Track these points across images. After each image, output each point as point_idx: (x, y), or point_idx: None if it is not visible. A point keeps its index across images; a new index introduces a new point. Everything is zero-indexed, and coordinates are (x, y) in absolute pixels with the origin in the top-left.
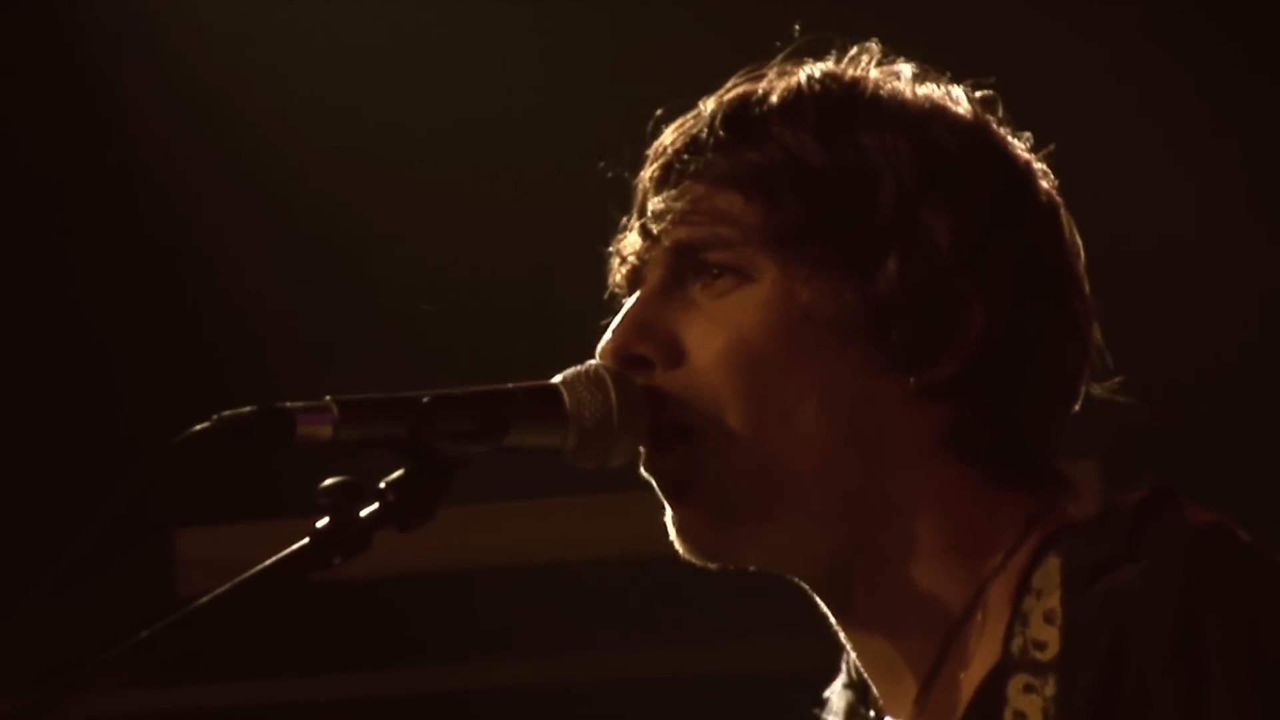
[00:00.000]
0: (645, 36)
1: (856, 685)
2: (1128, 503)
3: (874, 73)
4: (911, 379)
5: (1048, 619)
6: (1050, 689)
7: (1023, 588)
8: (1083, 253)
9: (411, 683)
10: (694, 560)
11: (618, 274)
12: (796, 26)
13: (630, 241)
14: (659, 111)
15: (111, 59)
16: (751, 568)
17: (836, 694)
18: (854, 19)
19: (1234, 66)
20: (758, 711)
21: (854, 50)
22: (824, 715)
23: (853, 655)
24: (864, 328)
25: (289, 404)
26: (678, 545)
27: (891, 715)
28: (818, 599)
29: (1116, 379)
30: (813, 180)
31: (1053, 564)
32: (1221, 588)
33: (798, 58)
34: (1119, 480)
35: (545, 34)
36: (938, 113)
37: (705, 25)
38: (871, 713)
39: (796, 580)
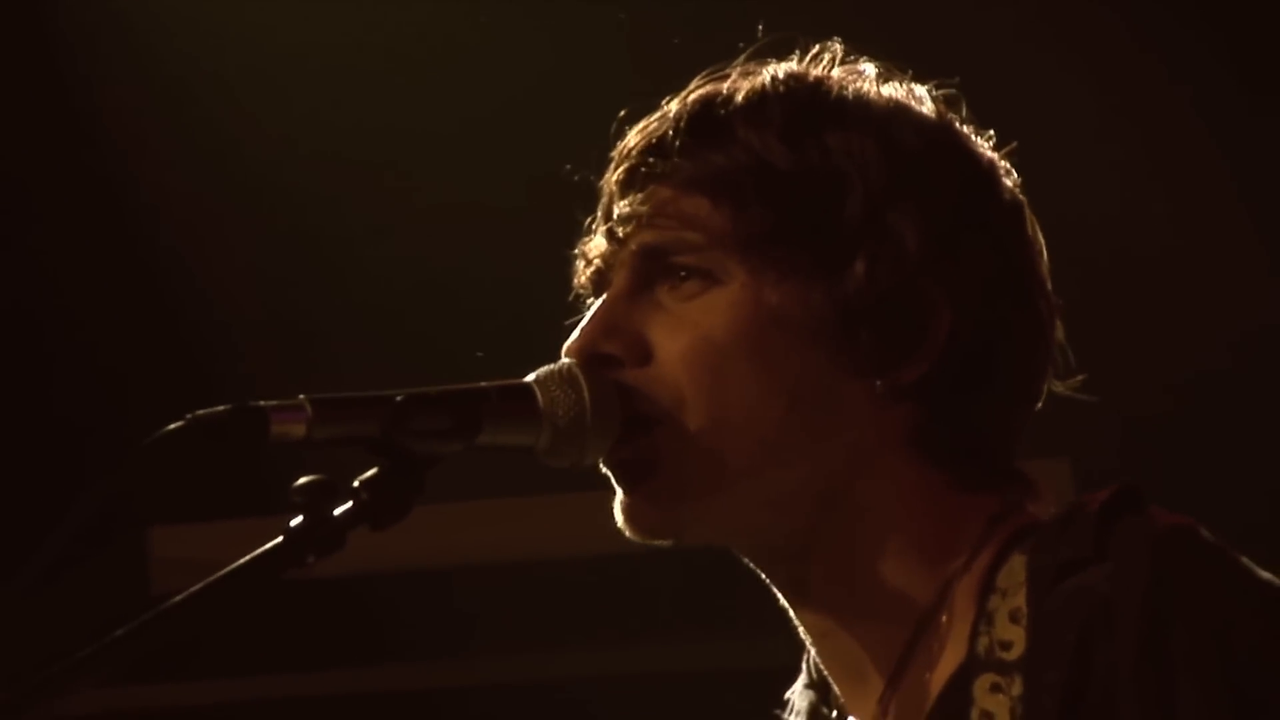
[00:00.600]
0: (637, 41)
1: (818, 685)
2: (1092, 502)
3: (837, 73)
4: (878, 381)
5: (1013, 618)
6: (1017, 688)
7: (987, 587)
8: (1045, 251)
9: (386, 680)
10: (639, 539)
11: (582, 276)
12: (760, 26)
13: (596, 244)
14: (622, 112)
15: (89, 60)
16: (701, 543)
17: (798, 694)
18: (825, 18)
19: (1221, 72)
20: (731, 708)
21: (816, 49)
22: (785, 716)
23: (813, 654)
24: (831, 330)
25: (263, 402)
26: (623, 527)
27: (854, 715)
28: (775, 589)
29: (1078, 377)
30: (779, 183)
31: (1017, 563)
32: (1188, 589)
33: (761, 57)
34: (1090, 479)
35: (531, 33)
36: (902, 113)
37: (694, 28)
38: (834, 713)
39: (752, 565)
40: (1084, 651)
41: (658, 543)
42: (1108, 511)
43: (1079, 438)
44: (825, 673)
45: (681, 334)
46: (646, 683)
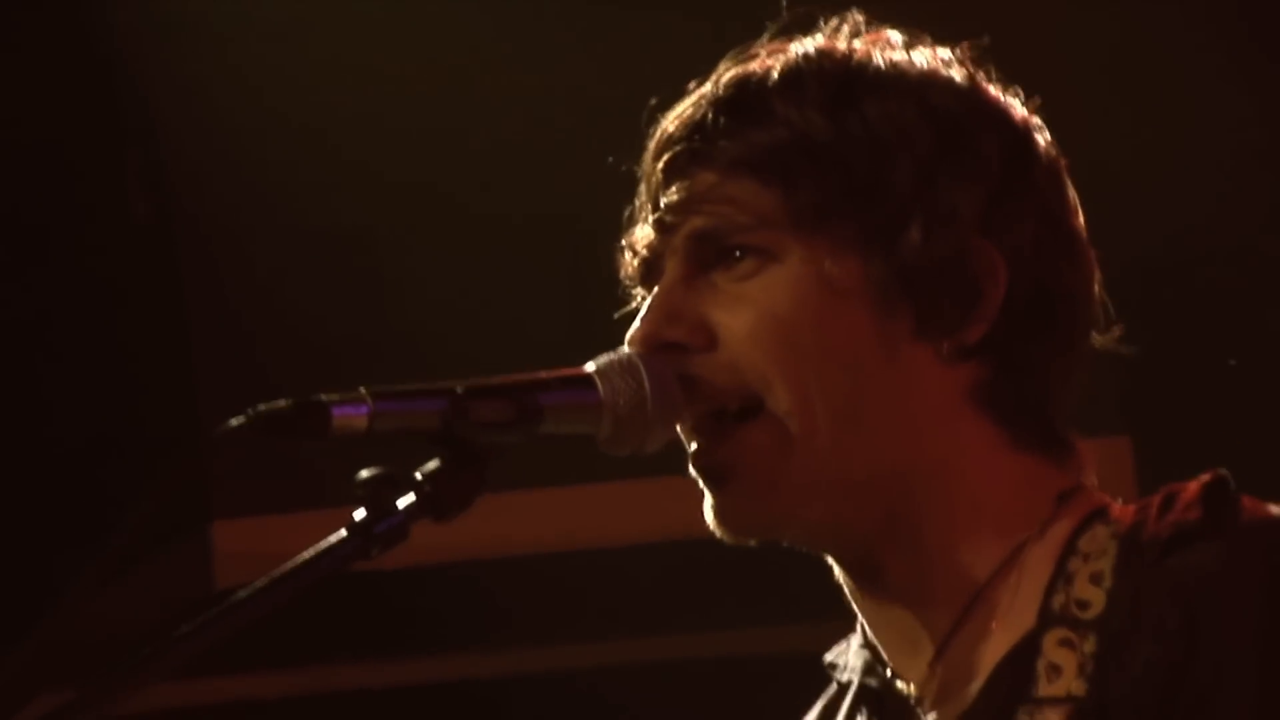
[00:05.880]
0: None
1: (872, 645)
2: (1187, 489)
3: (865, 43)
4: (944, 344)
5: (1094, 580)
6: (1090, 646)
7: (1068, 550)
8: (1080, 208)
9: (415, 673)
10: (730, 540)
11: (629, 267)
12: (784, 1)
13: (643, 235)
14: (653, 100)
15: (138, 70)
16: (785, 544)
17: (853, 652)
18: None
19: None
20: (763, 693)
21: (836, 22)
22: (837, 674)
23: (864, 623)
24: (892, 297)
25: (323, 396)
26: (715, 528)
27: (904, 676)
28: (842, 572)
29: (1116, 331)
30: (826, 157)
31: (1101, 532)
32: None
33: (785, 35)
34: (1151, 457)
35: (571, 47)
36: (936, 78)
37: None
38: (888, 671)
39: (825, 557)
40: (1188, 630)
41: (747, 542)
42: (1210, 496)
43: (1141, 417)
44: (874, 639)
45: (744, 312)
46: (672, 671)
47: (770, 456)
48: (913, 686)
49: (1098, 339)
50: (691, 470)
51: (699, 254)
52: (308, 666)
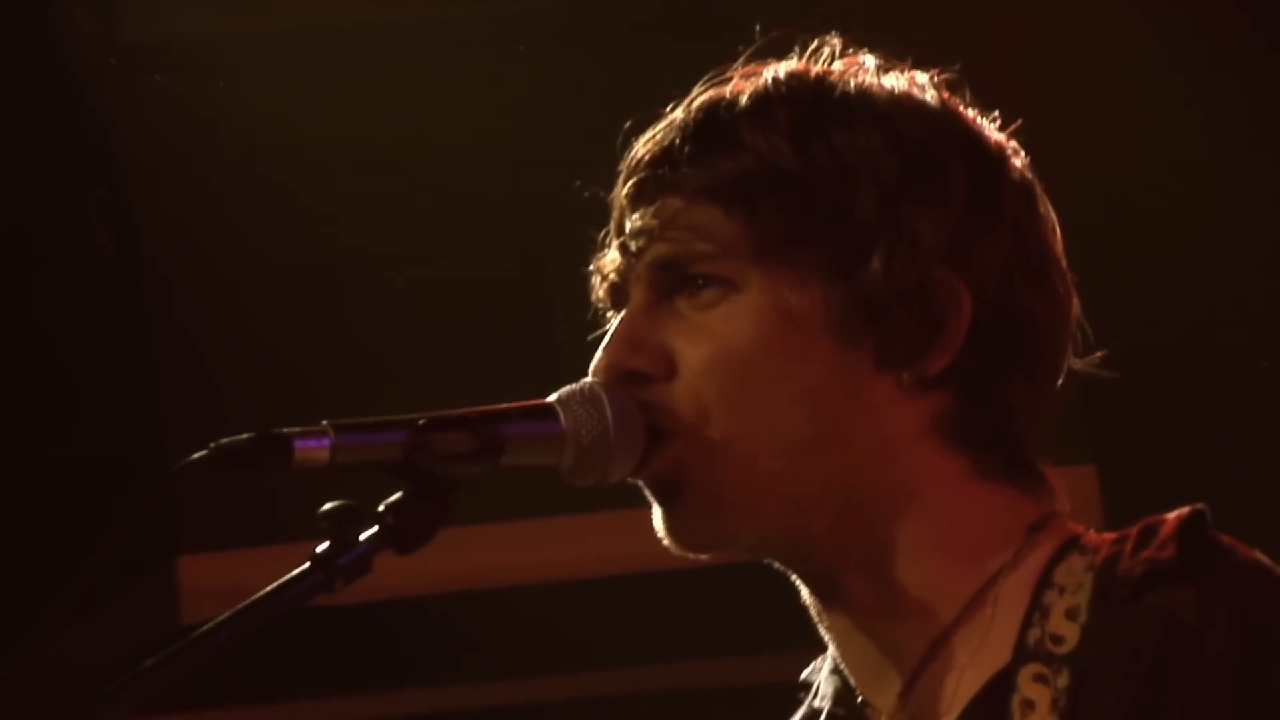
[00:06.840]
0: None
1: (841, 671)
2: (1166, 523)
3: (837, 68)
4: (904, 374)
5: (1070, 615)
6: (1063, 680)
7: (1044, 582)
8: (1058, 228)
9: (392, 706)
10: (681, 553)
11: (599, 291)
12: (757, 26)
13: (611, 259)
14: (627, 124)
15: (99, 106)
16: (741, 559)
17: (824, 678)
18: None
19: None
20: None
21: (815, 45)
22: (811, 699)
23: (834, 650)
24: (852, 328)
25: (285, 429)
26: (665, 541)
27: (872, 705)
28: (807, 591)
29: (1097, 353)
30: (789, 186)
31: (1077, 563)
32: (1276, 626)
33: (760, 57)
34: (1117, 485)
35: (539, 94)
36: (906, 104)
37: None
38: (860, 698)
39: (787, 571)
40: (1159, 673)
41: (700, 556)
42: (1186, 534)
43: (1107, 445)
44: (843, 667)
45: (703, 343)
46: (641, 703)
47: (704, 473)
48: (883, 718)
49: (1077, 362)
50: (636, 480)
51: (663, 281)
52: (270, 701)
